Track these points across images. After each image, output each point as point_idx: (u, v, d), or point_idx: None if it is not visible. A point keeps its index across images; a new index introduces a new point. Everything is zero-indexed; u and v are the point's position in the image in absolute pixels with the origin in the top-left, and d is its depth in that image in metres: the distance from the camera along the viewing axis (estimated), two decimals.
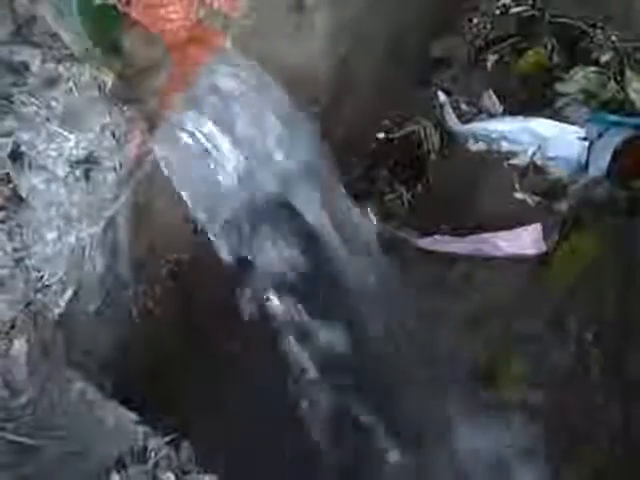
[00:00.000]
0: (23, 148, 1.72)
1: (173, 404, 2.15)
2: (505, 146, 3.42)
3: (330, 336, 2.57)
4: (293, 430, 2.65)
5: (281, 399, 2.59)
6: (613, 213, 3.26)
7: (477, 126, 3.45)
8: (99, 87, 1.81)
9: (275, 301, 2.50)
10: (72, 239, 1.77)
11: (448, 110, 3.47)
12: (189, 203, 2.15)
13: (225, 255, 2.28)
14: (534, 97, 3.46)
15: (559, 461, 2.84)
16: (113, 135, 1.80)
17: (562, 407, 2.95)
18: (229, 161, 2.23)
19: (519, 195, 3.36)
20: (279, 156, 2.34)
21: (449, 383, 2.88)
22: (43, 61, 1.79)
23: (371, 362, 2.69)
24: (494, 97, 3.48)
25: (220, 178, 2.23)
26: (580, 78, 3.45)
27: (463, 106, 3.50)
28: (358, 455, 2.72)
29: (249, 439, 2.47)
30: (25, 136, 1.72)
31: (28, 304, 1.71)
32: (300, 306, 2.50)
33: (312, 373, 2.59)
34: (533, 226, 3.22)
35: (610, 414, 2.91)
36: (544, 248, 3.21)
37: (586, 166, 3.32)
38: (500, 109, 3.47)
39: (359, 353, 2.64)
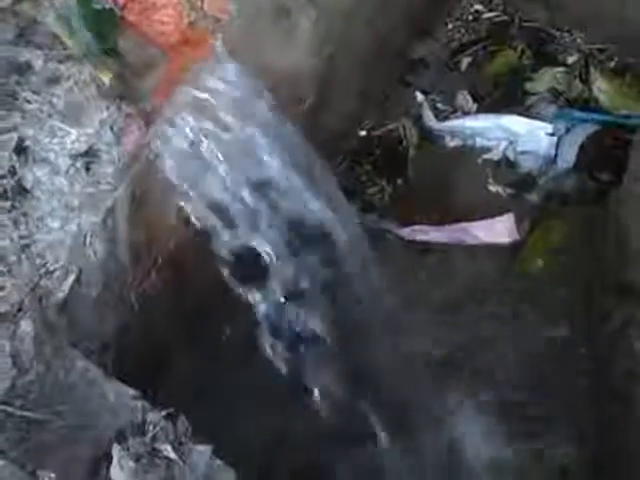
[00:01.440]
0: (27, 142, 1.72)
1: (170, 380, 2.15)
2: (479, 142, 3.43)
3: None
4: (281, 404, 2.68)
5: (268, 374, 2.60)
6: (581, 203, 3.28)
7: (453, 124, 3.46)
8: (98, 85, 1.81)
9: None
10: (74, 227, 1.77)
11: (426, 109, 3.48)
12: (187, 196, 2.16)
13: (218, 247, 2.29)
14: (505, 96, 3.47)
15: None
16: (111, 130, 1.81)
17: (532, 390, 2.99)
18: (221, 157, 2.24)
19: (493, 187, 3.37)
20: (265, 152, 2.34)
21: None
22: (45, 61, 1.80)
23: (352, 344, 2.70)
24: (468, 96, 3.50)
25: (214, 173, 2.23)
26: (548, 78, 3.46)
27: (439, 105, 3.50)
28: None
29: (239, 412, 2.48)
30: (29, 131, 1.73)
31: (33, 288, 1.71)
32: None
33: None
34: (506, 216, 3.24)
35: (579, 397, 2.94)
36: (517, 236, 3.23)
37: (555, 159, 3.35)
38: (474, 107, 3.48)
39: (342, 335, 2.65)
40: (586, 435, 2.84)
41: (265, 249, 2.37)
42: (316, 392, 2.59)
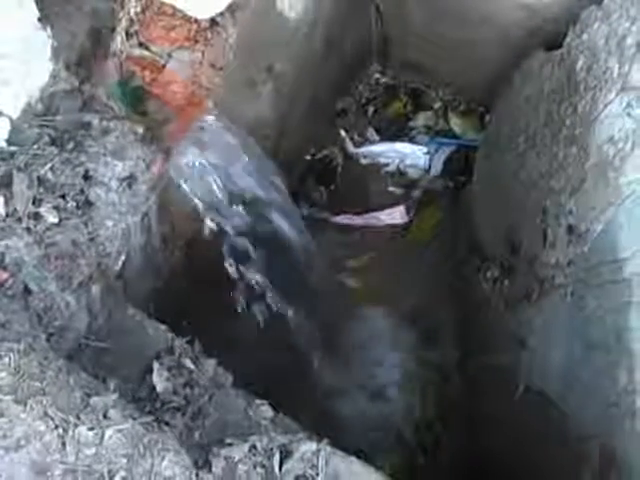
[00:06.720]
0: (91, 172, 1.72)
1: (189, 318, 2.15)
2: (381, 160, 3.46)
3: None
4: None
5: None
6: (445, 196, 3.33)
7: (364, 149, 3.48)
8: (134, 134, 1.82)
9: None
10: (123, 225, 1.78)
11: (347, 140, 3.50)
12: (196, 204, 2.18)
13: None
14: (396, 131, 3.50)
15: None
16: (144, 162, 1.81)
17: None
18: (217, 178, 2.25)
19: (391, 189, 3.41)
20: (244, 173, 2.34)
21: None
22: (100, 120, 1.80)
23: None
24: (373, 131, 3.51)
25: (212, 189, 2.24)
26: (422, 118, 3.50)
27: (355, 138, 3.52)
28: None
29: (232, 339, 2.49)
30: (92, 165, 1.73)
31: (99, 264, 1.72)
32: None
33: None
34: (400, 207, 3.29)
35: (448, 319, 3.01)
36: (407, 219, 3.28)
37: (429, 169, 3.39)
38: (377, 138, 3.50)
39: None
40: (460, 346, 2.91)
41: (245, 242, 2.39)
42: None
